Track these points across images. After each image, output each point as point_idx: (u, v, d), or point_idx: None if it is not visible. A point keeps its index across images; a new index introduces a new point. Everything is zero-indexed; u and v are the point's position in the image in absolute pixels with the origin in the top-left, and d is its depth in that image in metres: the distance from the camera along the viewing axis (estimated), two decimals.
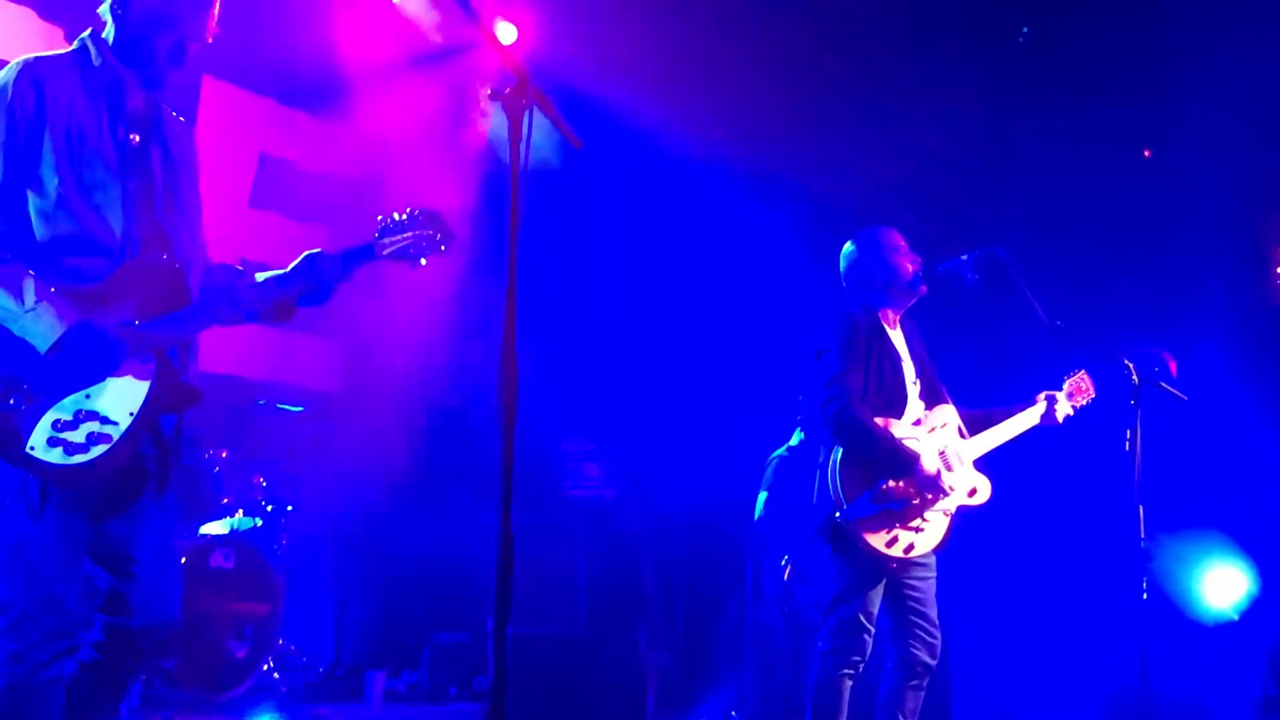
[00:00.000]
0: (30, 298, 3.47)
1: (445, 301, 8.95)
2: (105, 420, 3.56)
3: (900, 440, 5.25)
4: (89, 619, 3.58)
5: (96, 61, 3.76)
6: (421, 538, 8.96)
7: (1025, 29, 8.87)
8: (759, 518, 7.79)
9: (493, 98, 3.40)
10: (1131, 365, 5.56)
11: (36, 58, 3.71)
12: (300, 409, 8.18)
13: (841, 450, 5.25)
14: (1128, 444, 5.39)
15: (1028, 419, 5.60)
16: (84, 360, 3.53)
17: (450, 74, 8.85)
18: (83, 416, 3.53)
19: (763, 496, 7.80)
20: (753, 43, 8.92)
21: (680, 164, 9.23)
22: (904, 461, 5.21)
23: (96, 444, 3.54)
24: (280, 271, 3.91)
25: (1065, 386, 5.70)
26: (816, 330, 5.50)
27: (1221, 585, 8.02)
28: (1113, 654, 7.57)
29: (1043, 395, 5.66)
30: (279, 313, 3.92)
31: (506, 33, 8.67)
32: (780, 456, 7.86)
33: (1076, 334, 5.66)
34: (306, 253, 3.93)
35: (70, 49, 3.80)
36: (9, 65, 3.67)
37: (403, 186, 9.02)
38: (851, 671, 5.26)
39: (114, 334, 3.59)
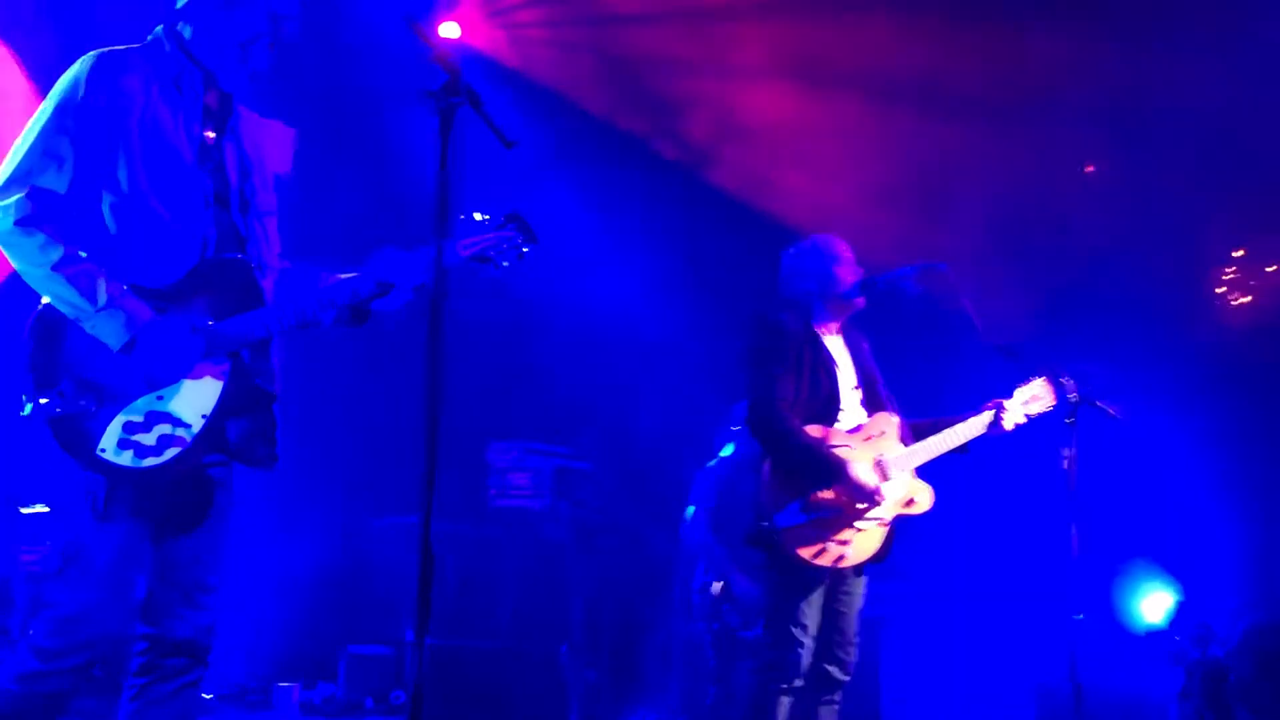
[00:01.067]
0: (103, 296, 3.40)
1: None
2: (178, 423, 3.49)
3: (829, 447, 5.16)
4: (126, 633, 3.54)
5: (171, 56, 3.70)
6: (339, 546, 8.81)
7: None
8: (687, 532, 7.69)
9: (425, 95, 3.34)
10: (1067, 383, 5.53)
11: (110, 51, 3.63)
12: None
13: (769, 459, 5.17)
14: (1064, 462, 5.36)
15: (973, 427, 5.48)
16: (157, 360, 3.47)
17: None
18: (155, 419, 3.47)
19: (690, 510, 7.70)
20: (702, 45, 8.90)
21: (616, 165, 9.15)
22: (831, 469, 5.11)
23: (169, 447, 3.48)
24: (353, 273, 3.82)
25: (1018, 394, 5.60)
26: (747, 337, 5.42)
27: (1155, 606, 8.02)
28: (1044, 668, 7.56)
29: (991, 404, 5.57)
30: (355, 316, 3.89)
31: (449, 31, 8.59)
32: (709, 469, 7.77)
33: (1014, 350, 5.62)
34: (378, 250, 3.83)
35: (143, 43, 3.72)
36: (81, 59, 3.58)
37: (333, 185, 8.89)
38: (786, 687, 5.14)
39: (188, 333, 3.52)
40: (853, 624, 5.31)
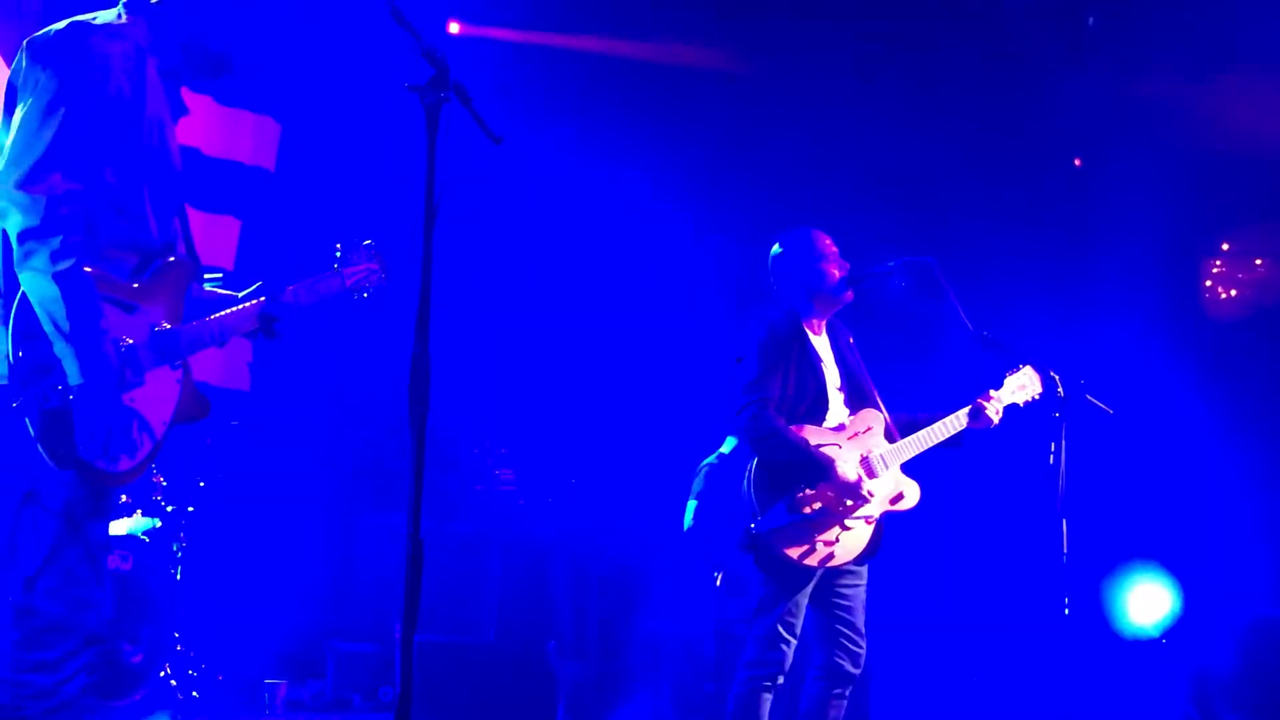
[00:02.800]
0: (83, 320, 3.29)
1: (355, 300, 8.76)
2: (145, 426, 3.52)
3: (815, 446, 5.15)
4: (100, 630, 3.53)
5: (138, 42, 3.63)
6: (327, 542, 8.78)
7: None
8: (688, 527, 7.68)
9: (410, 89, 3.32)
10: (1057, 377, 5.53)
11: (122, 29, 3.57)
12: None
13: (756, 458, 5.17)
14: (1052, 457, 5.35)
15: (958, 421, 5.48)
16: (106, 385, 3.38)
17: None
18: (128, 422, 3.46)
19: (692, 505, 7.69)
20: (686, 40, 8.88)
21: (606, 164, 9.13)
22: (818, 467, 5.11)
23: (138, 450, 3.50)
24: (233, 295, 3.90)
25: (1008, 382, 5.59)
26: (738, 336, 5.42)
27: (1145, 603, 8.01)
28: (1035, 670, 7.55)
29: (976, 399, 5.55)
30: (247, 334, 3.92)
31: (450, 29, 8.64)
32: (710, 464, 7.76)
33: (1003, 344, 5.60)
34: (259, 282, 3.92)
35: (113, 20, 3.65)
36: (85, 29, 3.49)
37: (315, 179, 8.86)
38: (770, 684, 5.16)
39: (127, 355, 3.47)
40: (859, 616, 5.31)
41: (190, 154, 8.59)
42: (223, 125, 8.84)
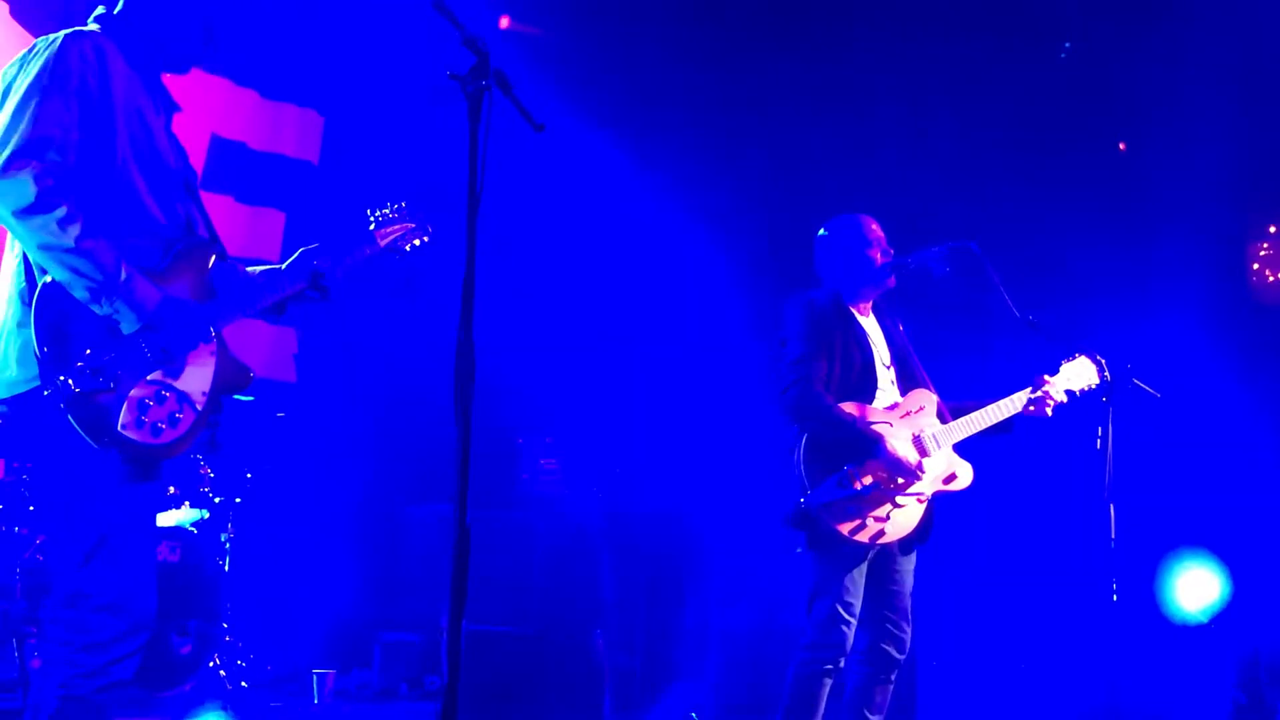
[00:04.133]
0: (124, 273, 3.42)
1: (401, 291, 8.79)
2: (184, 398, 3.57)
3: (866, 423, 5.12)
4: (150, 614, 3.57)
5: (134, 40, 3.74)
6: (373, 532, 8.81)
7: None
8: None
9: (451, 78, 3.33)
10: (1104, 361, 5.49)
11: (83, 31, 3.64)
12: (252, 399, 8.00)
13: (806, 435, 5.13)
14: (1099, 442, 5.31)
15: (1015, 403, 5.43)
16: (173, 336, 3.54)
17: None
18: (165, 395, 3.53)
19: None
20: (713, 30, 8.85)
21: (652, 152, 9.12)
22: (867, 444, 5.08)
23: (180, 422, 3.56)
24: (277, 267, 4.01)
25: (1064, 370, 5.54)
26: (781, 318, 5.39)
27: (1194, 588, 7.95)
28: (1082, 654, 7.50)
29: (1034, 382, 5.50)
30: (274, 309, 4.02)
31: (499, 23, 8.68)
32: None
33: (1049, 329, 5.56)
34: (302, 249, 4.03)
35: (92, 28, 3.73)
36: (53, 38, 3.57)
37: (360, 172, 8.89)
38: (831, 667, 5.11)
39: (196, 311, 3.62)
40: (906, 602, 5.29)
41: (236, 148, 8.65)
42: (267, 119, 8.89)
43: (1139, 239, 8.71)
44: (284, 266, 4.00)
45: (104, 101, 3.54)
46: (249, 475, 7.73)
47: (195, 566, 7.04)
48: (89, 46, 3.56)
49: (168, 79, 3.88)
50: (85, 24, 3.75)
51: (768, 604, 7.46)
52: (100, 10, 3.79)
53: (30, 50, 3.56)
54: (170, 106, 3.87)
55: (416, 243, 4.32)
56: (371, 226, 4.22)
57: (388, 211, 4.26)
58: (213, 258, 3.77)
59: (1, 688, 6.15)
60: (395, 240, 4.25)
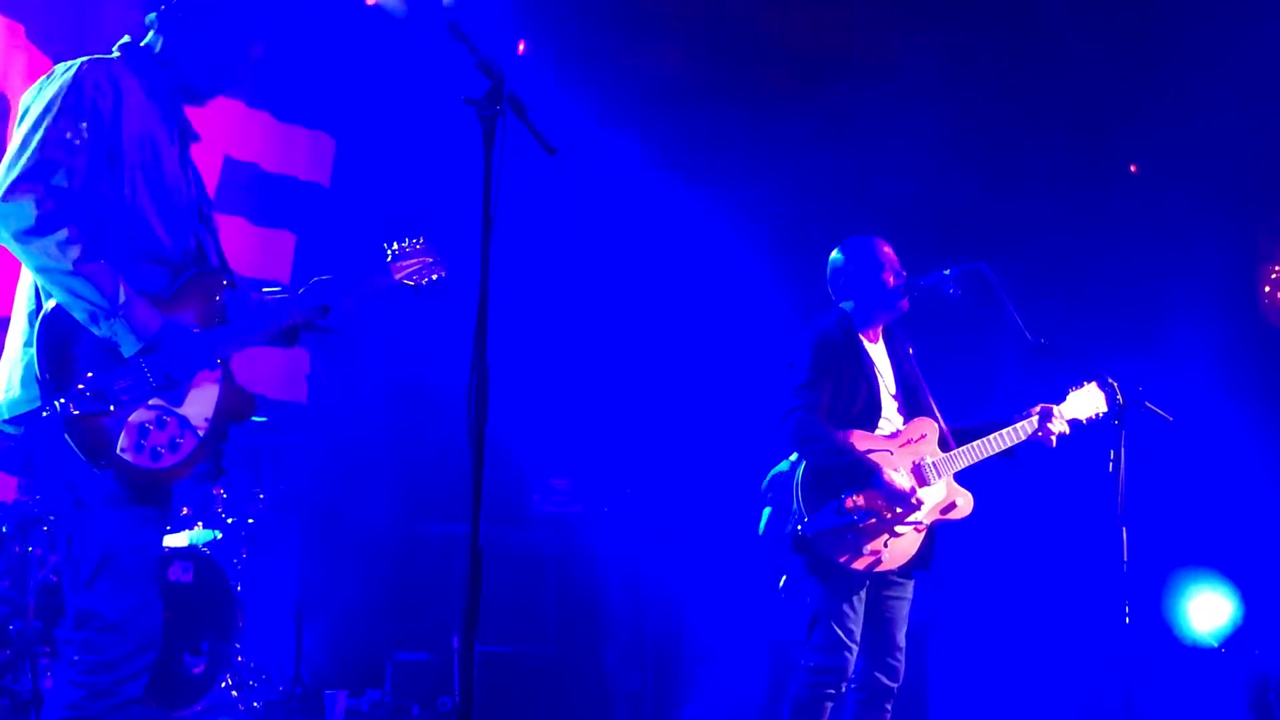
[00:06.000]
0: (123, 296, 3.43)
1: (413, 314, 8.82)
2: (185, 424, 3.58)
3: (863, 451, 5.13)
4: (157, 633, 3.58)
5: (153, 68, 3.77)
6: (384, 553, 8.81)
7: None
8: (762, 534, 7.64)
9: (467, 103, 3.36)
10: (1116, 384, 5.49)
11: (102, 59, 3.67)
12: (264, 419, 8.02)
13: (804, 462, 5.15)
14: (1111, 465, 5.31)
15: (1018, 432, 5.44)
16: (175, 360, 3.55)
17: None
18: (166, 420, 3.54)
19: (767, 511, 7.64)
20: (732, 49, 8.87)
21: (662, 177, 9.14)
22: (864, 472, 5.09)
23: (180, 447, 3.56)
24: (290, 295, 4.00)
25: (1071, 398, 5.54)
26: (790, 343, 5.41)
27: (1206, 611, 7.94)
28: (1095, 677, 7.49)
29: (1037, 409, 5.51)
30: (285, 336, 3.98)
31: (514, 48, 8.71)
32: (780, 472, 7.72)
33: (1060, 351, 5.56)
34: (316, 279, 4.02)
35: (115, 55, 3.76)
36: (71, 65, 3.61)
37: (370, 194, 8.92)
38: (833, 691, 5.11)
39: (198, 337, 3.63)
40: (900, 630, 5.28)
41: (249, 169, 8.69)
42: (279, 141, 8.92)
43: (1150, 261, 8.71)
44: (297, 294, 4.00)
45: (115, 129, 3.56)
46: (261, 496, 7.76)
47: (208, 587, 7.05)
48: (104, 74, 3.58)
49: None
50: (109, 50, 3.78)
51: (776, 624, 7.45)
52: (126, 40, 3.82)
53: (49, 75, 3.60)
54: (188, 136, 3.88)
55: (434, 277, 4.28)
56: (388, 259, 4.20)
57: (405, 246, 4.23)
58: (224, 286, 3.79)
59: (15, 708, 6.17)
60: (411, 274, 4.23)
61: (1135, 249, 8.76)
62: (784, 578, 7.32)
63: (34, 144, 3.46)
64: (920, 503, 5.15)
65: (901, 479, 5.12)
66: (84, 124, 3.51)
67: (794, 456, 7.62)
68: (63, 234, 3.38)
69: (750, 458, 7.82)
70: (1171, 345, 8.15)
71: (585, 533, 8.50)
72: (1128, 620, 5.28)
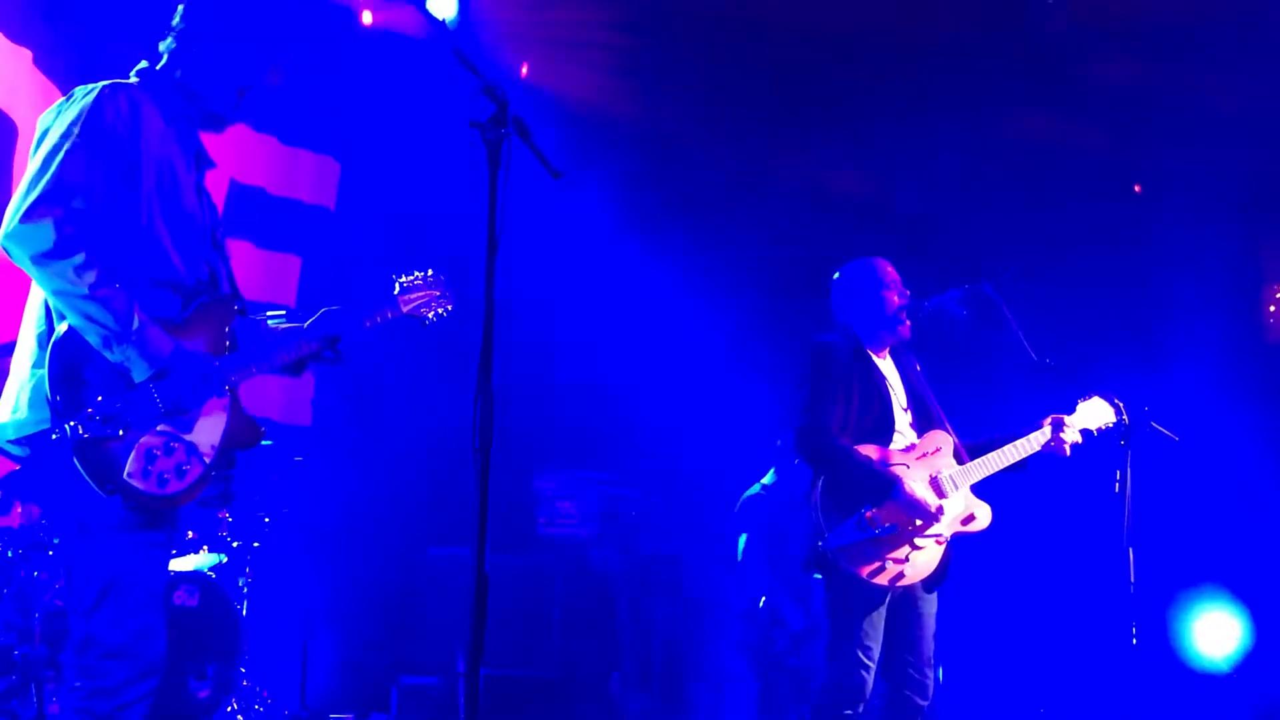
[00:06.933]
0: (136, 321, 3.43)
1: (418, 336, 8.82)
2: (193, 450, 3.57)
3: (883, 465, 5.12)
4: (160, 659, 3.56)
5: (171, 94, 3.77)
6: (390, 577, 8.80)
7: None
8: (741, 560, 7.64)
9: (472, 126, 3.37)
10: (1121, 404, 5.48)
11: (121, 84, 3.67)
12: (270, 443, 8.02)
13: (822, 478, 5.13)
14: (1118, 485, 5.30)
15: (1032, 442, 5.42)
16: (185, 387, 3.53)
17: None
18: (174, 446, 3.53)
19: (744, 538, 7.65)
20: (736, 61, 8.92)
21: (660, 200, 9.17)
22: (882, 486, 5.08)
23: (187, 474, 3.54)
24: (298, 325, 3.98)
25: (1080, 409, 5.53)
26: (796, 361, 5.40)
27: (1214, 633, 7.91)
28: (1102, 699, 7.46)
29: (1049, 420, 5.49)
30: (293, 368, 3.99)
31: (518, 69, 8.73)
32: (753, 495, 7.73)
33: (1066, 371, 5.56)
34: (324, 310, 4.02)
35: (133, 80, 3.77)
36: (92, 88, 3.61)
37: (375, 218, 8.94)
38: (849, 713, 5.06)
39: (209, 364, 3.62)
40: (928, 646, 5.23)
41: (254, 193, 8.72)
42: (285, 164, 8.95)
43: (1155, 281, 8.71)
44: (305, 325, 3.98)
45: (133, 153, 3.56)
46: (266, 519, 7.74)
47: (213, 611, 7.03)
48: (124, 99, 3.59)
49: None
50: (126, 76, 3.79)
51: (785, 644, 7.43)
52: (143, 64, 3.82)
53: (68, 98, 3.60)
54: (204, 163, 3.89)
55: (441, 311, 4.29)
56: (396, 290, 4.19)
57: (413, 278, 4.23)
58: (235, 313, 3.79)
59: None
60: (418, 307, 4.23)
61: (1140, 269, 8.76)
62: (763, 599, 7.34)
63: (54, 167, 3.45)
64: (941, 514, 5.14)
65: (922, 491, 5.11)
66: (103, 149, 3.51)
67: (766, 480, 7.64)
68: (80, 258, 3.38)
69: (754, 481, 7.85)
70: (1178, 366, 8.14)
71: (590, 556, 8.50)
72: (1135, 642, 5.26)
